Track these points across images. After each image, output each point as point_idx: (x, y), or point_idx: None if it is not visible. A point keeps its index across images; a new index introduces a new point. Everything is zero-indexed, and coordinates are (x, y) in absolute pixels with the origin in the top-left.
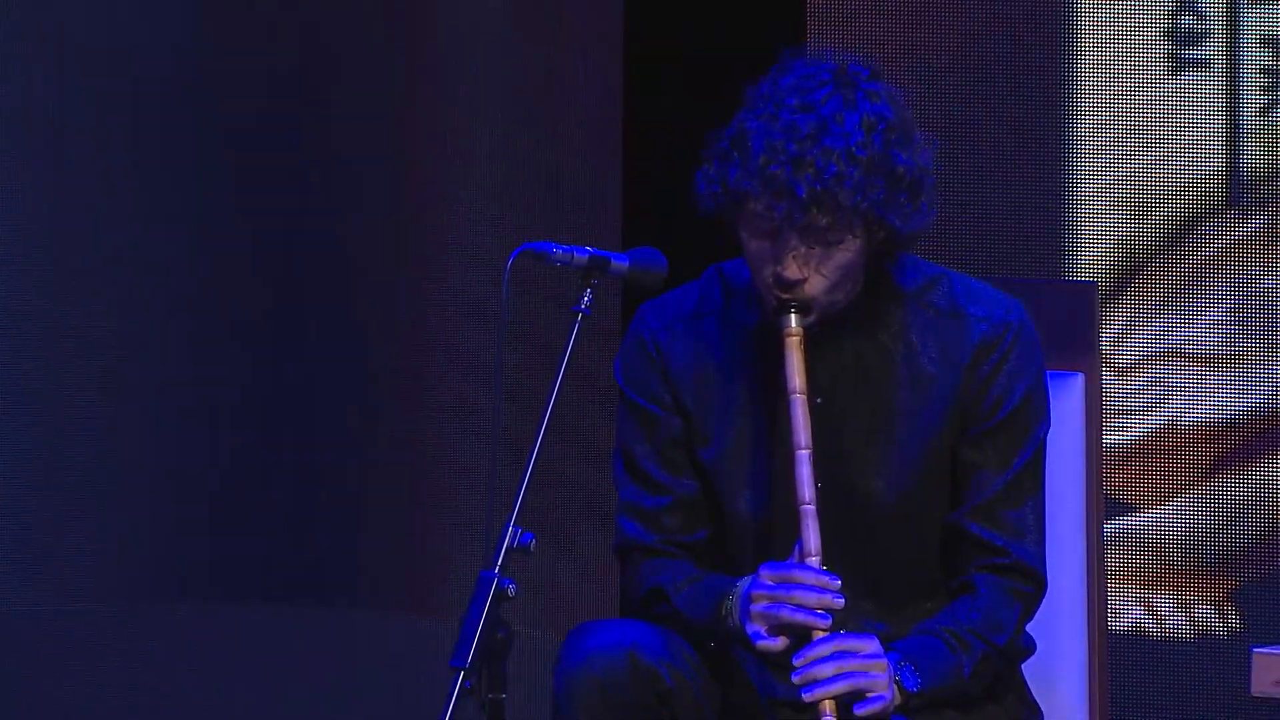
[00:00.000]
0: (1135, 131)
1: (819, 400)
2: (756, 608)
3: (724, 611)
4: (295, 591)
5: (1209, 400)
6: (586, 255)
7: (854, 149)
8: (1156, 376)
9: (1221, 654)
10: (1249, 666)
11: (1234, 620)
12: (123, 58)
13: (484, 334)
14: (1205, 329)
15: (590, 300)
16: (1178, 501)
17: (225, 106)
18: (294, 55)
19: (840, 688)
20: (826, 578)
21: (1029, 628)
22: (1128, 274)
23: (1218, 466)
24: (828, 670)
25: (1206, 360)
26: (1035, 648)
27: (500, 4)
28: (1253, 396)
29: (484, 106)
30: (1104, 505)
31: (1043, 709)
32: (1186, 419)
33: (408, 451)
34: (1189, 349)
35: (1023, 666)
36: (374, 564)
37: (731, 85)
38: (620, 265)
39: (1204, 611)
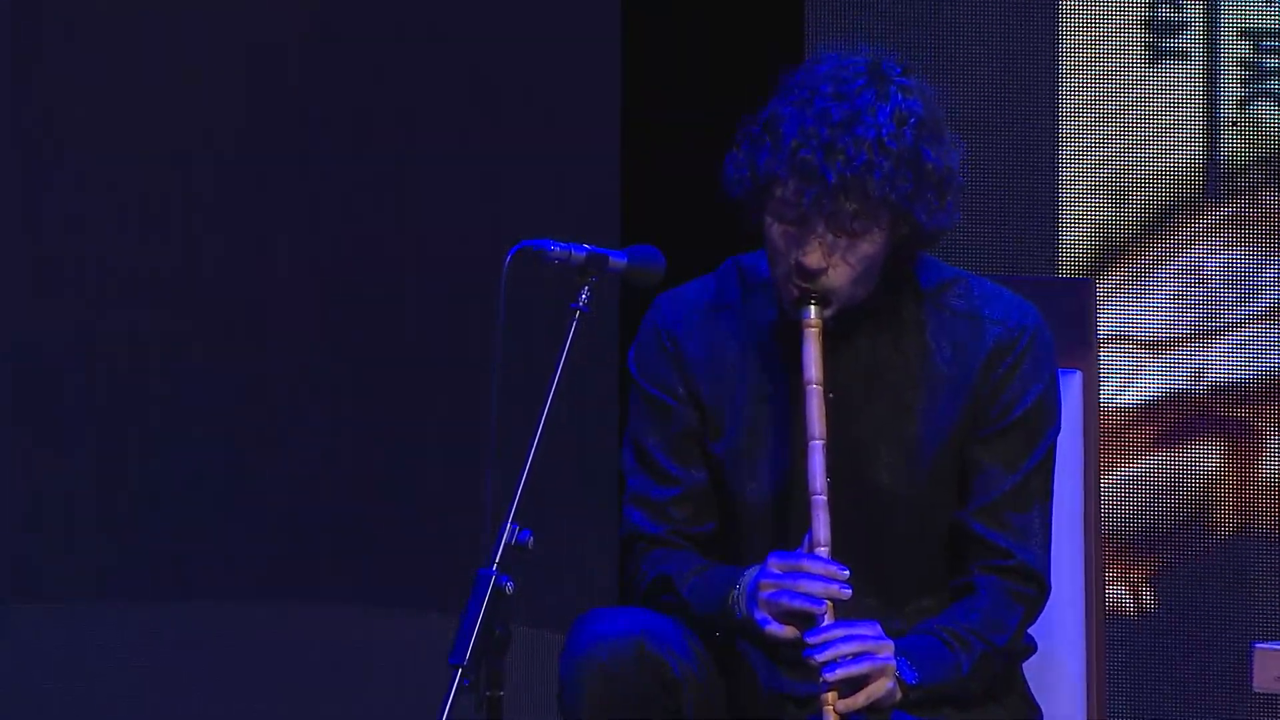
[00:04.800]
0: (1117, 123)
1: (832, 395)
2: (764, 595)
3: (731, 600)
4: (294, 589)
5: (1151, 381)
6: (584, 252)
7: (885, 140)
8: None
9: (1215, 647)
10: (1250, 661)
11: (1148, 601)
12: (107, 57)
13: (482, 330)
14: (1149, 315)
15: (589, 297)
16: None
17: (221, 103)
18: (292, 53)
19: (861, 668)
20: (834, 567)
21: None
22: (1103, 260)
23: (1156, 444)
24: (850, 649)
25: (1147, 343)
26: (1036, 647)
27: (501, 2)
28: (1187, 378)
29: (484, 103)
30: (1100, 502)
31: (1041, 706)
32: (1133, 397)
33: (406, 447)
34: (1131, 334)
35: (1022, 665)
36: (372, 561)
37: (730, 82)
38: (618, 262)
39: (1117, 591)
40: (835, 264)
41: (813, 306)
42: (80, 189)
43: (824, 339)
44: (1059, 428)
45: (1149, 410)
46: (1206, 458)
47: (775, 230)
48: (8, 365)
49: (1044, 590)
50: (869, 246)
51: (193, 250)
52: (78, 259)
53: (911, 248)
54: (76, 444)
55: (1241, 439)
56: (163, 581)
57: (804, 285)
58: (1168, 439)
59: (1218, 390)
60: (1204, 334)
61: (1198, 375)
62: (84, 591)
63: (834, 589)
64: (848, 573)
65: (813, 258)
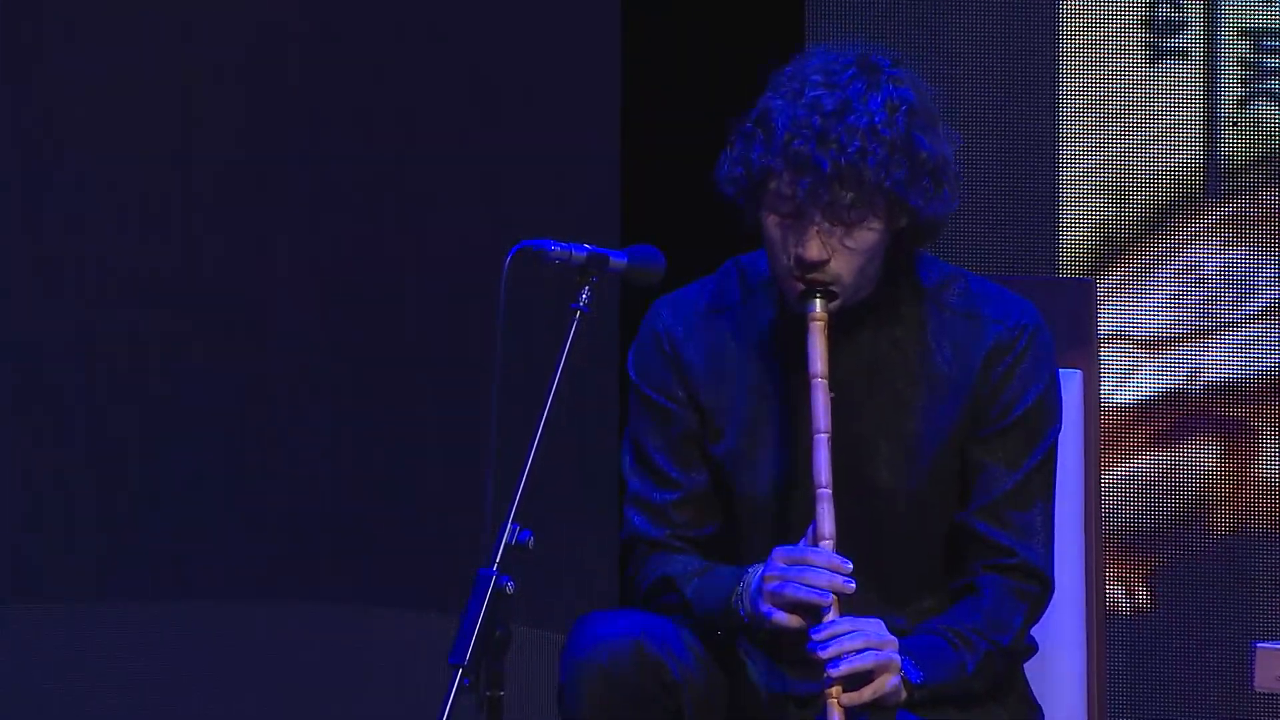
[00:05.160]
0: (1117, 123)
1: (833, 394)
2: (769, 587)
3: (734, 598)
4: (294, 589)
5: (1151, 380)
6: (585, 252)
7: (878, 127)
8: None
9: (1215, 647)
10: (1251, 661)
11: (1147, 601)
12: (106, 55)
13: (482, 330)
14: (1149, 314)
15: (589, 297)
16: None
17: (221, 103)
18: (292, 54)
19: (866, 664)
20: (839, 560)
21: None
22: (1104, 259)
23: (1155, 443)
24: (854, 644)
25: (1146, 342)
26: (1037, 647)
27: (501, 2)
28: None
29: (484, 103)
30: (1101, 503)
31: (1041, 706)
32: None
33: (406, 447)
34: (1131, 333)
35: (1023, 665)
36: (372, 561)
37: (730, 83)
38: (619, 262)
39: (1116, 590)
40: (835, 253)
41: (818, 300)
42: (80, 189)
43: (829, 333)
44: (1060, 426)
45: (1149, 408)
46: (1207, 457)
47: (772, 223)
48: (8, 365)
49: (1047, 588)
50: (867, 235)
51: (193, 250)
52: (78, 259)
53: (910, 238)
54: (76, 445)
55: (1241, 438)
56: (163, 581)
57: (808, 277)
58: (1168, 438)
59: (1218, 389)
60: (1204, 333)
61: (1197, 374)
62: (84, 591)
63: (838, 581)
64: (851, 565)
65: (812, 248)
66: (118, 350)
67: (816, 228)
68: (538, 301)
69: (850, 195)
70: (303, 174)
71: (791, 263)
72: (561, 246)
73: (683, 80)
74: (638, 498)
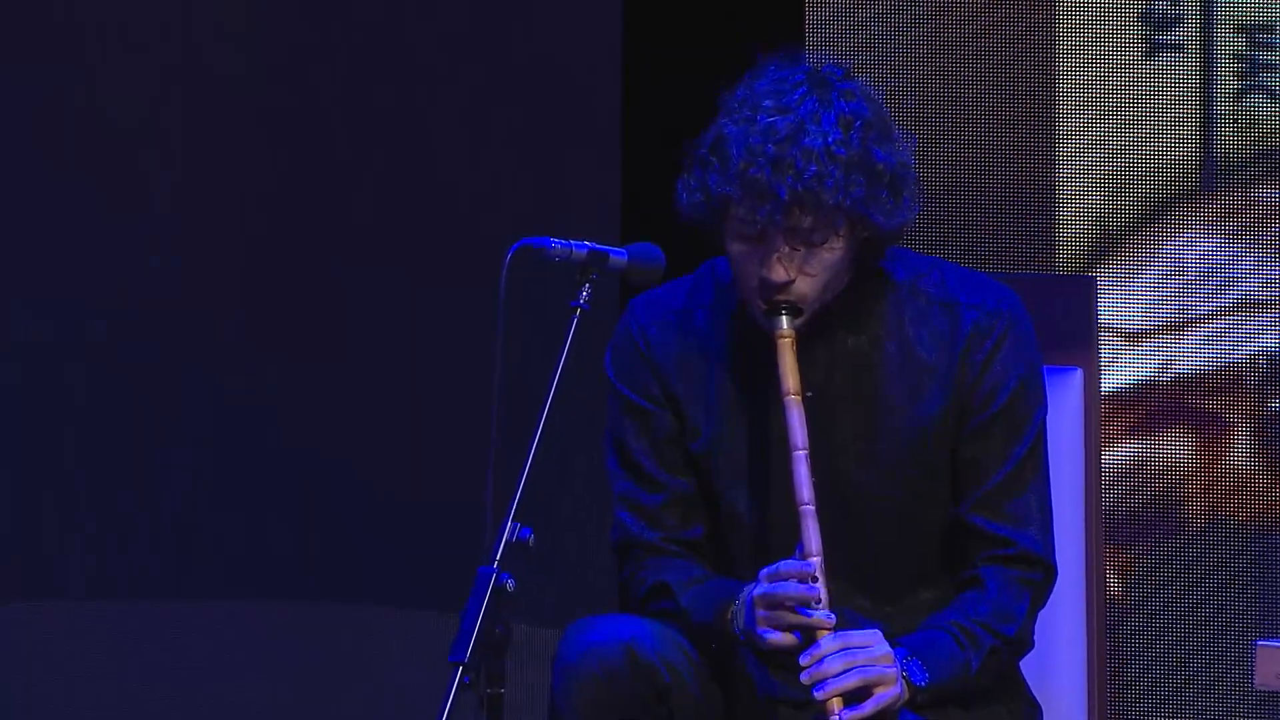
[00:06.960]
0: (1115, 109)
1: (810, 394)
2: (760, 612)
3: (730, 615)
4: (294, 589)
5: (1145, 369)
6: (585, 250)
7: (832, 148)
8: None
9: (1217, 647)
10: (1252, 659)
11: (1148, 599)
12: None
13: (483, 328)
14: (1144, 301)
15: (589, 295)
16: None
17: (220, 102)
18: (292, 53)
19: (851, 683)
20: (804, 567)
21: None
22: (1100, 248)
23: (1153, 436)
24: (837, 666)
25: (1142, 331)
26: (1033, 644)
27: (501, 1)
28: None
29: (485, 102)
30: (1102, 501)
31: (1041, 704)
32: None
33: (406, 446)
34: (1126, 322)
35: (1021, 662)
36: (372, 561)
37: (731, 82)
38: (619, 260)
39: (1115, 589)
40: (799, 275)
41: (784, 318)
42: (78, 187)
43: (798, 344)
44: (1045, 409)
45: (1148, 402)
46: (1197, 447)
47: (736, 248)
48: (8, 365)
49: (1050, 574)
50: (831, 254)
51: (192, 250)
52: (77, 258)
53: (876, 247)
54: (77, 444)
55: (1241, 431)
56: (163, 581)
57: (773, 297)
58: (1164, 430)
59: (1211, 378)
60: (1199, 320)
61: (1192, 362)
62: (84, 591)
63: (803, 592)
64: (814, 568)
65: (776, 271)
66: (117, 350)
67: (779, 252)
68: (538, 299)
69: (810, 219)
70: (304, 173)
71: (757, 285)
72: (562, 244)
73: (683, 79)
74: (627, 499)
